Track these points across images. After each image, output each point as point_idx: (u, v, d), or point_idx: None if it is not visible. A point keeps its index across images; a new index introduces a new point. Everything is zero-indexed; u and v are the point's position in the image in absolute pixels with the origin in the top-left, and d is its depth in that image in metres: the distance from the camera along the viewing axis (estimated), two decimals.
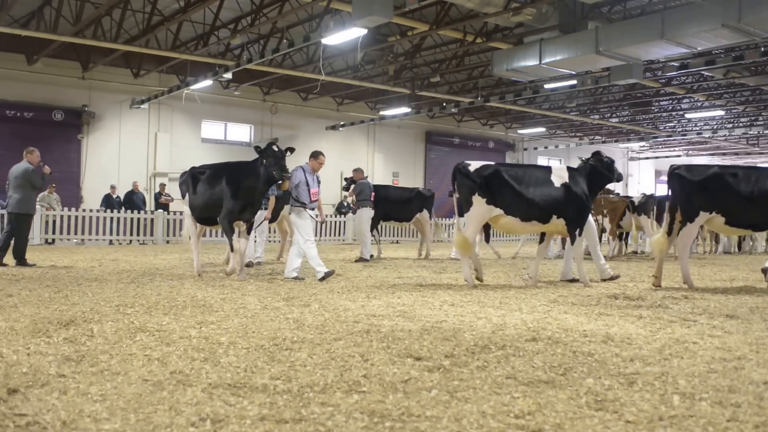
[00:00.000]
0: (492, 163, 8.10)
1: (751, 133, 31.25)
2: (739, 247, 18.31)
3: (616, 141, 33.94)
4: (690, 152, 38.90)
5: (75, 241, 17.91)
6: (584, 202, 8.00)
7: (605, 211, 13.97)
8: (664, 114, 28.70)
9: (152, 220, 19.12)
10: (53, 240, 17.63)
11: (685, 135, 31.95)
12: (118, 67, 21.29)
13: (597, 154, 8.44)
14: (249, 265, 10.12)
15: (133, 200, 19.58)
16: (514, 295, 6.94)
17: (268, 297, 6.51)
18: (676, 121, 31.10)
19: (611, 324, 5.09)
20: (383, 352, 3.97)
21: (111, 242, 18.21)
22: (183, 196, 9.24)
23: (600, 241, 15.21)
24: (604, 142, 34.08)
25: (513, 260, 13.47)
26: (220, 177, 8.51)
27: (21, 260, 10.03)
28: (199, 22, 17.42)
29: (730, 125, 30.81)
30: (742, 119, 29.86)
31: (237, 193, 8.26)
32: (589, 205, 8.20)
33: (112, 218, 18.45)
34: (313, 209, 8.60)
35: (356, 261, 11.93)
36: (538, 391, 3.15)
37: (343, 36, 13.41)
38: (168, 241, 19.08)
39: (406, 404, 2.93)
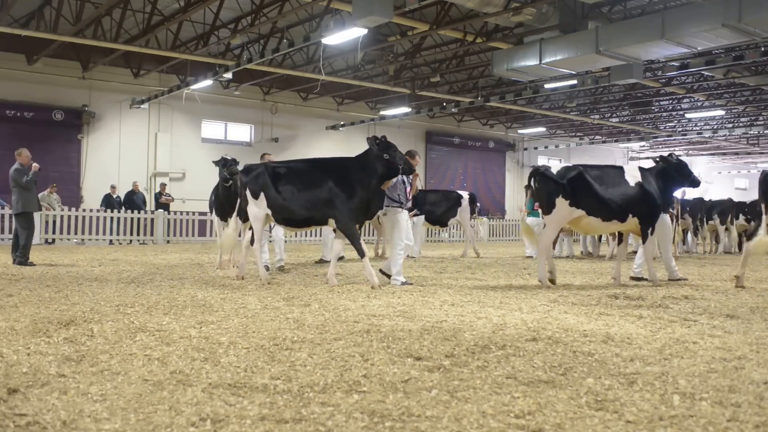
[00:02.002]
0: (571, 165, 8.19)
1: (751, 133, 31.28)
2: (740, 248, 18.30)
3: (616, 141, 33.98)
4: (690, 152, 38.92)
5: (75, 241, 17.93)
6: (656, 200, 8.07)
7: None
8: (664, 114, 28.72)
9: (152, 220, 19.14)
10: (53, 240, 17.65)
11: (685, 135, 31.97)
12: (118, 67, 21.31)
13: (668, 156, 8.50)
14: (281, 268, 9.91)
15: (133, 200, 19.60)
16: (514, 295, 6.94)
17: (269, 297, 6.51)
18: (676, 121, 31.13)
19: (611, 324, 5.09)
20: (383, 352, 3.97)
21: (111, 242, 18.23)
22: (255, 196, 7.86)
23: (600, 240, 15.35)
24: (604, 141, 34.12)
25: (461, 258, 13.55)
26: (321, 175, 7.55)
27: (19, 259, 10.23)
28: (199, 22, 17.43)
29: (730, 125, 30.83)
30: (742, 119, 29.89)
31: (357, 192, 7.40)
32: (661, 204, 8.21)
33: (112, 218, 18.47)
34: (408, 210, 8.21)
35: (317, 262, 11.51)
36: (538, 391, 3.15)
37: (343, 36, 13.41)
38: (168, 241, 19.09)
39: (406, 404, 2.93)
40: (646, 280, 8.56)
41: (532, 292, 7.34)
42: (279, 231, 10.00)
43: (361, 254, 7.48)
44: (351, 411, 2.83)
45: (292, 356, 3.84)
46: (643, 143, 35.91)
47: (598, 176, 7.90)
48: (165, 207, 20.03)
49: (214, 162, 10.07)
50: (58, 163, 20.92)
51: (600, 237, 15.13)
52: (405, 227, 8.19)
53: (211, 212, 10.86)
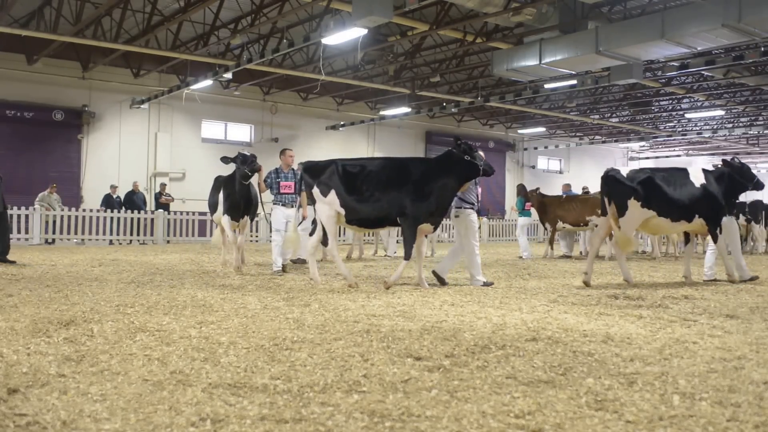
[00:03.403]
0: (639, 168, 8.40)
1: (751, 133, 31.27)
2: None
3: (616, 141, 33.96)
4: (690, 152, 38.93)
5: (75, 241, 17.91)
6: (719, 202, 8.29)
7: (599, 211, 13.94)
8: (664, 114, 28.70)
9: (152, 220, 19.13)
10: (53, 240, 17.64)
11: (685, 135, 31.96)
12: (118, 67, 21.29)
13: (730, 160, 8.71)
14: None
15: (133, 200, 19.58)
16: (514, 295, 6.94)
17: (268, 297, 6.52)
18: (676, 121, 31.10)
19: (611, 324, 5.09)
20: (383, 351, 3.97)
21: (111, 242, 18.21)
22: (325, 194, 7.61)
23: None
24: (604, 142, 34.10)
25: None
26: (403, 174, 7.42)
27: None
28: (199, 22, 17.42)
29: (730, 125, 30.82)
30: (742, 119, 29.87)
31: (438, 193, 7.36)
32: (724, 205, 8.40)
33: (112, 218, 18.46)
34: (477, 210, 8.28)
35: (295, 261, 11.18)
36: (538, 391, 3.15)
37: (343, 36, 13.40)
38: (168, 241, 19.08)
39: (406, 404, 2.93)
40: (717, 281, 8.68)
41: (532, 292, 7.34)
42: (278, 236, 9.50)
43: (408, 257, 7.50)
44: (351, 411, 2.83)
45: (292, 356, 3.84)
46: (643, 143, 35.88)
47: (665, 178, 8.17)
48: (165, 207, 20.02)
49: (226, 158, 9.33)
50: (58, 163, 20.91)
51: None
52: (476, 229, 8.27)
53: (213, 212, 10.24)
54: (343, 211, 7.58)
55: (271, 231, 9.96)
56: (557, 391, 3.15)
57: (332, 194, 7.58)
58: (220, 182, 10.01)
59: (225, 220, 9.59)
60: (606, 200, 8.27)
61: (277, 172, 9.50)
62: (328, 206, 7.62)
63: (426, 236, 8.02)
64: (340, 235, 21.04)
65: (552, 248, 14.79)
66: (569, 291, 7.45)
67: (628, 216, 8.06)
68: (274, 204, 9.49)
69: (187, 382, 3.27)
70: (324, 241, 8.00)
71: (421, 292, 7.17)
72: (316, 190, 7.70)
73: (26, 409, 2.81)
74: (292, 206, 9.41)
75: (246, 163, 9.12)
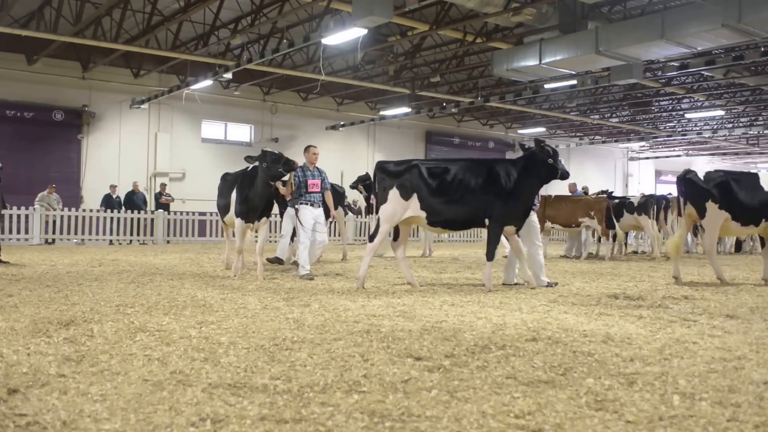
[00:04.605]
0: (713, 170, 8.44)
1: (751, 133, 31.28)
2: (737, 248, 18.28)
3: (616, 141, 33.98)
4: (690, 152, 38.92)
5: (75, 241, 17.92)
6: None
7: (592, 212, 13.92)
8: (664, 114, 28.71)
9: (152, 220, 19.13)
10: (53, 240, 17.65)
11: (685, 135, 31.96)
12: (118, 67, 21.30)
13: None
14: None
15: (133, 200, 19.59)
16: (514, 295, 6.94)
17: (268, 297, 6.52)
18: (676, 121, 31.11)
19: (611, 324, 5.09)
20: (383, 352, 3.97)
21: (111, 242, 18.22)
22: (405, 197, 7.33)
23: (599, 241, 15.33)
24: (604, 142, 34.12)
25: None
26: (489, 176, 7.33)
27: None
28: (199, 22, 17.42)
29: (730, 125, 30.83)
30: (742, 119, 29.88)
31: (522, 195, 7.35)
32: None
33: (112, 218, 18.46)
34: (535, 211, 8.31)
35: (270, 260, 10.70)
36: (538, 391, 3.15)
37: (343, 36, 13.41)
38: (168, 241, 19.08)
39: (406, 404, 2.93)
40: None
41: (532, 292, 7.34)
42: (307, 237, 8.91)
43: (491, 257, 7.44)
44: (351, 411, 2.83)
45: (292, 356, 3.84)
46: (643, 143, 35.90)
47: (738, 182, 8.19)
48: (165, 207, 20.02)
49: (250, 158, 8.51)
50: (58, 163, 20.93)
51: (599, 238, 15.10)
52: (537, 229, 8.32)
53: (223, 215, 9.48)
54: (423, 214, 7.36)
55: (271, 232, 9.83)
56: (557, 391, 3.14)
57: (414, 197, 7.35)
58: (230, 181, 9.16)
59: (238, 224, 8.70)
60: (682, 201, 8.34)
61: (303, 171, 8.93)
62: (402, 209, 7.38)
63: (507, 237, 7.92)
64: (341, 235, 20.91)
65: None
66: (569, 291, 7.45)
67: (709, 218, 8.11)
68: (302, 204, 8.98)
69: (187, 382, 3.27)
70: (371, 237, 7.75)
71: (421, 292, 7.17)
72: (395, 192, 7.39)
73: (26, 409, 2.81)
74: (319, 206, 9.07)
75: (279, 162, 8.29)
